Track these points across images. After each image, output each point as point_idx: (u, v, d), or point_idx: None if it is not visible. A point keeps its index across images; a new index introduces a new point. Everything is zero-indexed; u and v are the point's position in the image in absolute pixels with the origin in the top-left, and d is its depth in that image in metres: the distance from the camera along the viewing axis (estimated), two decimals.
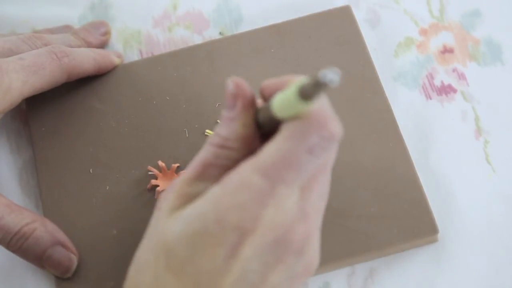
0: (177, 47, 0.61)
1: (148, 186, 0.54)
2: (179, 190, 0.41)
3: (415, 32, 0.61)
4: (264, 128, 0.41)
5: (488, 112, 0.58)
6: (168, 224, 0.40)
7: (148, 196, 0.54)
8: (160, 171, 0.54)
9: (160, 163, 0.54)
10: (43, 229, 0.51)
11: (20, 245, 0.50)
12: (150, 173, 0.55)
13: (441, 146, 0.57)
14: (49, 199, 0.54)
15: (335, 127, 0.38)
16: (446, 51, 0.60)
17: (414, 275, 0.53)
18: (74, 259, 0.51)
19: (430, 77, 0.59)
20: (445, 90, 0.59)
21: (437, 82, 0.59)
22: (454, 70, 0.60)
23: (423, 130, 0.57)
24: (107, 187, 0.54)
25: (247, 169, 0.38)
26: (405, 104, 0.58)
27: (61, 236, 0.51)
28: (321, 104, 0.38)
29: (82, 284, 0.52)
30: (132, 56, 0.61)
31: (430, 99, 0.59)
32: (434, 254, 0.53)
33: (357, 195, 0.53)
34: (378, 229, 0.52)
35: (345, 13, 0.59)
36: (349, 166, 0.54)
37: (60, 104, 0.57)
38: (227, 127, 0.41)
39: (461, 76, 0.59)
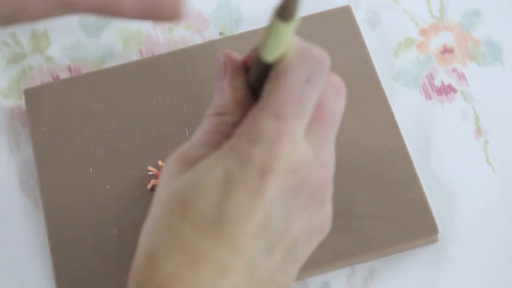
0: (177, 47, 0.61)
1: (149, 186, 0.54)
2: (181, 155, 0.40)
3: (415, 32, 0.61)
4: (258, 91, 0.42)
5: (488, 112, 0.58)
6: (179, 180, 0.39)
7: (149, 196, 0.54)
8: (160, 171, 0.54)
9: (160, 163, 0.54)
10: None
11: None
12: (150, 173, 0.55)
13: (441, 146, 0.57)
14: (49, 199, 0.54)
15: (322, 53, 0.40)
16: (446, 51, 0.60)
17: (414, 275, 0.53)
18: None
19: (430, 77, 0.59)
20: (445, 90, 0.59)
21: (437, 82, 0.59)
22: (454, 70, 0.60)
23: (423, 130, 0.57)
24: (107, 187, 0.54)
25: (257, 115, 0.39)
26: (405, 104, 0.58)
27: None
28: (300, 42, 0.40)
29: (82, 284, 0.52)
30: (132, 56, 0.61)
31: (430, 99, 0.59)
32: (434, 254, 0.53)
33: (357, 195, 0.53)
34: (378, 229, 0.52)
35: (345, 13, 0.59)
36: (349, 166, 0.54)
37: (60, 104, 0.57)
38: (219, 95, 0.42)
39: (461, 76, 0.59)
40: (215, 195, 0.38)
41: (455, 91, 0.59)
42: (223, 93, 0.42)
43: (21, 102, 0.59)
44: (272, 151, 0.38)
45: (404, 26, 0.61)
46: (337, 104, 0.41)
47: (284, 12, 0.38)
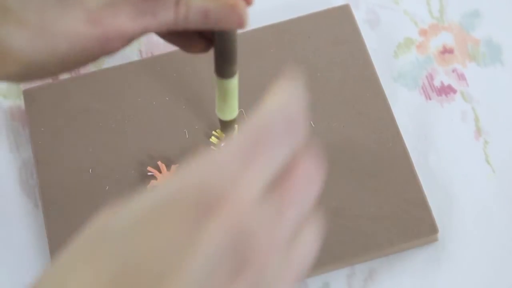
0: (177, 47, 0.61)
1: (148, 186, 0.54)
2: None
3: (414, 33, 0.61)
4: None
5: (488, 113, 0.58)
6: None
7: None
8: (160, 172, 0.54)
9: (160, 163, 0.54)
10: None
11: None
12: (149, 173, 0.54)
13: (441, 146, 0.57)
14: (49, 199, 0.54)
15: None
16: (446, 51, 0.61)
17: (414, 275, 0.53)
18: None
19: (430, 77, 0.60)
20: (445, 90, 0.59)
21: (436, 83, 0.59)
22: (453, 70, 0.60)
23: (423, 131, 0.57)
24: (107, 187, 0.54)
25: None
26: (405, 105, 0.58)
27: None
28: None
29: None
30: (132, 56, 0.61)
31: (430, 99, 0.59)
32: (433, 254, 0.53)
33: (356, 195, 0.53)
34: (378, 229, 0.52)
35: (344, 12, 0.59)
36: (349, 166, 0.54)
37: (59, 104, 0.57)
38: None
39: (461, 77, 0.59)
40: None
41: (454, 91, 0.59)
42: None
43: (21, 102, 0.59)
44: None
45: (403, 27, 0.62)
46: (309, 187, 0.31)
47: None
